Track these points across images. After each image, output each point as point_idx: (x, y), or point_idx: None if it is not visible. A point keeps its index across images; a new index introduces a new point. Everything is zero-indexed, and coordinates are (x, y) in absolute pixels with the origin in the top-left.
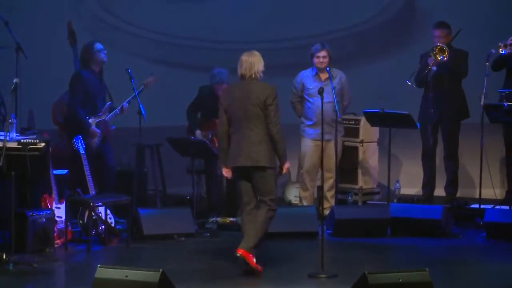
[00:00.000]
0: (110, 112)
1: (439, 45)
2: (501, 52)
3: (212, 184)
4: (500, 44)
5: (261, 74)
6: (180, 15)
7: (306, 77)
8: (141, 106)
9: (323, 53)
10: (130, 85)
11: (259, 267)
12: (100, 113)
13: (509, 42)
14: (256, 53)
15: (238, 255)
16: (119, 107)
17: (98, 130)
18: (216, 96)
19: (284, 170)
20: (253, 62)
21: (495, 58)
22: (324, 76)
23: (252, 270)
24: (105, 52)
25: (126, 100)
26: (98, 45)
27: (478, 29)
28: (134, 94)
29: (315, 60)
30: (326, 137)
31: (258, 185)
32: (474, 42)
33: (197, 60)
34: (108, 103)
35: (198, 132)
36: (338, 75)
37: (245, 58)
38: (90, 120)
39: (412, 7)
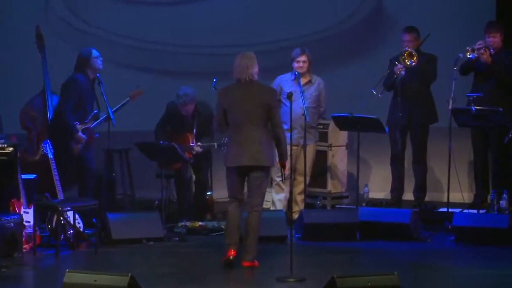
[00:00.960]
0: (95, 120)
1: (408, 50)
2: (468, 56)
3: (183, 189)
4: (468, 48)
5: (256, 74)
6: (150, 19)
7: (284, 81)
8: (110, 111)
9: (303, 58)
10: (99, 90)
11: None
12: (87, 120)
13: (476, 46)
14: (250, 54)
15: (246, 267)
16: (104, 117)
17: (84, 136)
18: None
19: (286, 169)
20: (247, 64)
21: (462, 62)
22: (303, 80)
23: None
24: (101, 59)
25: (112, 110)
26: (96, 52)
27: (446, 34)
28: (120, 104)
29: (295, 64)
30: (301, 141)
31: (256, 184)
32: (442, 47)
33: (167, 65)
34: (95, 111)
35: None
36: (316, 81)
37: (239, 60)
38: (77, 126)
39: (380, 12)
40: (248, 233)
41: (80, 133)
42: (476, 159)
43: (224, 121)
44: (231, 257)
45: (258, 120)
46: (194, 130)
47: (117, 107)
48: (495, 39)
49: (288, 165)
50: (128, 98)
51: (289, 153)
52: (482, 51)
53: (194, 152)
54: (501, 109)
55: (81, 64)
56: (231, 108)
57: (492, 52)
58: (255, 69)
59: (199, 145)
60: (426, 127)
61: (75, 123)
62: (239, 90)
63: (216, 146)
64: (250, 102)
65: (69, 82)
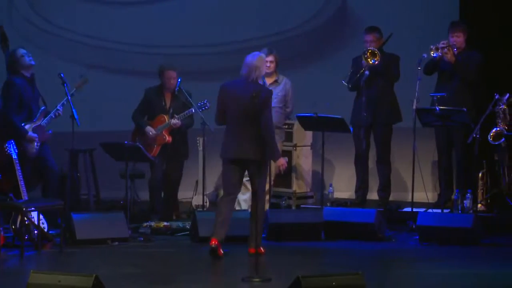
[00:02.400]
0: (45, 117)
1: (370, 49)
2: (432, 55)
3: (153, 188)
4: (431, 47)
5: (261, 76)
6: (114, 19)
7: None
8: (74, 110)
9: (270, 58)
10: (63, 90)
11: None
12: (36, 119)
13: (440, 45)
14: (260, 55)
15: (251, 253)
16: (54, 111)
17: (35, 135)
18: (162, 94)
19: (282, 165)
20: (256, 66)
21: (426, 62)
22: (270, 80)
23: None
24: (30, 55)
25: (60, 104)
26: (21, 50)
27: (410, 33)
28: (67, 97)
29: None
30: None
31: (255, 177)
32: (406, 47)
33: (131, 65)
34: (42, 108)
35: (148, 128)
36: (283, 82)
37: (250, 59)
38: (26, 126)
39: (345, 12)
40: (253, 222)
41: (30, 133)
42: (440, 159)
43: (223, 115)
44: (212, 245)
45: (254, 117)
46: (171, 110)
47: (64, 99)
48: (458, 39)
49: (283, 161)
50: (74, 89)
51: None
52: (445, 50)
53: (174, 126)
54: (465, 109)
55: (12, 66)
56: (230, 104)
57: (456, 52)
58: (262, 72)
59: (175, 117)
60: (389, 127)
61: (22, 124)
62: (240, 87)
63: (194, 111)
64: (247, 100)
65: (4, 86)
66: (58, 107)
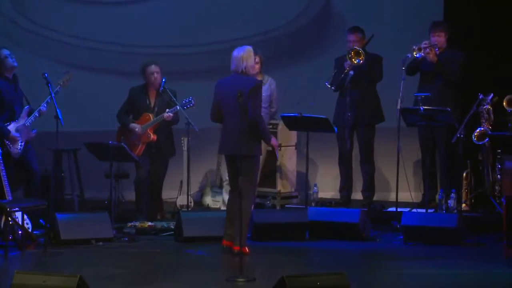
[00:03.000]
0: (29, 116)
1: (355, 48)
2: (415, 55)
3: (139, 188)
4: (414, 47)
5: (253, 68)
6: (99, 19)
7: None
8: (58, 110)
9: (255, 59)
10: (47, 89)
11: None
12: (19, 118)
13: (422, 45)
14: (246, 48)
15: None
16: (37, 110)
17: (17, 135)
18: (147, 92)
19: (276, 147)
20: (243, 57)
21: (408, 62)
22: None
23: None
24: (13, 56)
25: (44, 102)
26: (4, 51)
27: (394, 34)
28: (50, 96)
29: None
30: None
31: (242, 173)
32: (389, 47)
33: (116, 65)
34: (26, 107)
35: (133, 125)
36: (268, 82)
37: (235, 54)
38: (10, 126)
39: (329, 12)
40: (238, 220)
41: (13, 133)
42: (424, 159)
43: (217, 112)
44: (223, 246)
45: (242, 111)
46: (156, 109)
47: (48, 97)
48: (439, 39)
49: (276, 142)
50: (59, 86)
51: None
52: (427, 50)
53: (167, 119)
54: (449, 109)
55: None
56: (221, 100)
57: (438, 52)
58: (251, 63)
59: (167, 111)
60: (372, 127)
61: (5, 124)
62: (230, 82)
63: (178, 108)
64: (234, 94)
65: None
66: (42, 107)
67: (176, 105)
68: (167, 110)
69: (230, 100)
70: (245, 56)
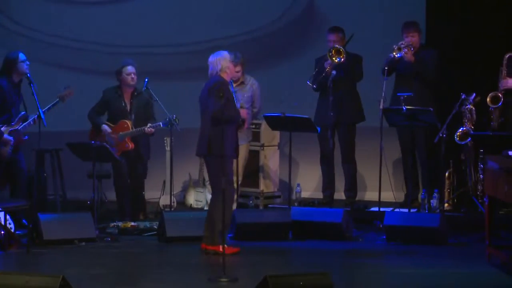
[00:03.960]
0: (23, 122)
1: (335, 47)
2: (396, 55)
3: (120, 189)
4: (394, 47)
5: (229, 69)
6: (81, 20)
7: None
8: (41, 111)
9: (237, 68)
10: (30, 90)
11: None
12: (14, 123)
13: (401, 45)
14: (221, 52)
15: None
16: (32, 119)
17: (11, 138)
18: (121, 94)
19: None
20: (217, 61)
21: (385, 62)
22: (236, 82)
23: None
24: (28, 63)
25: (41, 111)
26: (22, 56)
27: (374, 34)
28: (50, 105)
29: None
30: None
31: (208, 174)
32: (370, 47)
33: (97, 65)
34: (22, 113)
35: (105, 127)
36: (249, 82)
37: (210, 59)
38: (3, 129)
39: (312, 12)
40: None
41: (6, 136)
42: (405, 159)
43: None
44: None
45: (206, 111)
46: (133, 116)
47: (46, 108)
48: (413, 39)
49: (244, 113)
50: (57, 99)
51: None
52: (405, 50)
53: (149, 133)
54: (432, 109)
55: (7, 67)
56: (200, 104)
57: (413, 51)
58: (226, 64)
59: (149, 125)
60: (353, 127)
61: (0, 126)
62: (205, 86)
63: (161, 125)
64: (204, 95)
65: None
66: (36, 116)
67: (153, 115)
68: (149, 124)
69: (201, 102)
70: (220, 59)
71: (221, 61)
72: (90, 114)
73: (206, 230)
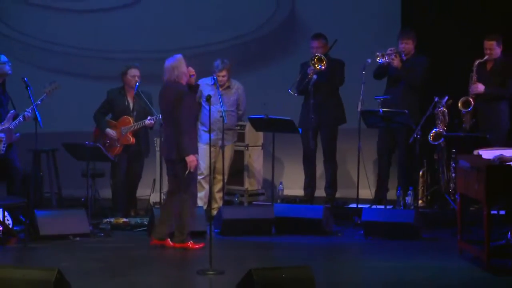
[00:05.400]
0: (13, 120)
1: (317, 55)
2: (378, 61)
3: (117, 187)
4: (378, 54)
5: (185, 75)
6: (75, 26)
7: (204, 85)
8: (37, 113)
9: (222, 73)
10: (27, 93)
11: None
12: (4, 122)
13: (388, 52)
14: (177, 57)
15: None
16: (22, 116)
17: (2, 135)
18: (125, 94)
19: (188, 164)
20: (173, 66)
21: (376, 67)
22: (222, 86)
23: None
24: (10, 64)
25: (29, 108)
26: (3, 58)
27: (354, 40)
28: (37, 101)
29: (219, 77)
30: (219, 142)
31: (171, 177)
32: (351, 52)
33: (91, 70)
34: (12, 111)
35: (108, 131)
36: (235, 86)
37: (166, 64)
38: None
39: (294, 19)
40: (176, 217)
41: None
42: (380, 159)
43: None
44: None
45: (169, 117)
46: (134, 113)
47: (35, 104)
48: (407, 46)
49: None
50: (44, 94)
51: (207, 152)
52: (392, 56)
53: (149, 126)
54: (407, 111)
55: None
56: (160, 107)
57: (404, 58)
58: (182, 70)
59: (149, 118)
60: (335, 128)
61: None
62: (163, 90)
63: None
64: (164, 101)
65: None
66: (26, 111)
67: (150, 110)
68: (149, 117)
69: (162, 108)
70: (176, 65)
71: (178, 68)
72: (97, 116)
73: (160, 227)
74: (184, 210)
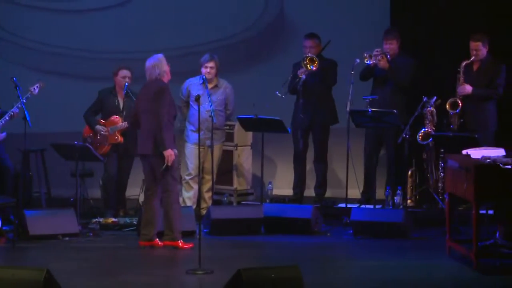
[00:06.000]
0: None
1: (309, 56)
2: (366, 62)
3: (107, 185)
4: (365, 55)
5: (166, 74)
6: (65, 27)
7: (193, 84)
8: (26, 113)
9: (210, 64)
10: (16, 93)
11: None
12: None
13: (374, 53)
14: (157, 56)
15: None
16: (8, 114)
17: None
18: (116, 94)
19: (166, 158)
20: (154, 65)
21: (362, 68)
22: (210, 85)
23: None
24: None
25: (15, 106)
26: None
27: (345, 40)
28: (24, 98)
29: (203, 69)
30: (208, 142)
31: (150, 173)
32: (341, 53)
33: (79, 70)
34: None
35: (98, 127)
36: (223, 86)
37: (147, 63)
38: None
39: (283, 20)
40: (165, 215)
41: None
42: (369, 159)
43: (134, 115)
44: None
45: (148, 112)
46: (124, 113)
47: (21, 102)
48: (392, 46)
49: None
50: (29, 92)
51: (195, 152)
52: (379, 57)
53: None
54: (396, 111)
55: None
56: (137, 105)
57: (390, 58)
58: (163, 69)
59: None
60: (327, 128)
61: None
62: (144, 88)
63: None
64: (145, 97)
65: None
66: (13, 109)
67: None
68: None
69: (142, 104)
70: (157, 64)
71: (159, 66)
72: (87, 115)
73: (146, 228)
74: (169, 208)
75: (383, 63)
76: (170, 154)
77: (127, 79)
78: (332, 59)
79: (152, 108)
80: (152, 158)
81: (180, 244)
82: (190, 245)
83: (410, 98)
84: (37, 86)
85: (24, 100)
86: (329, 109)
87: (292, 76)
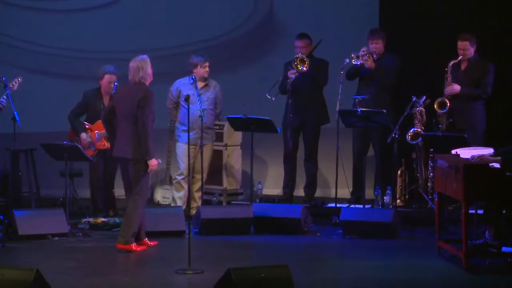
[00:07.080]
0: None
1: (300, 56)
2: (353, 62)
3: (95, 186)
4: (352, 55)
5: (149, 76)
6: (53, 26)
7: (183, 84)
8: (15, 112)
9: (207, 64)
10: (5, 92)
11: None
12: None
13: (361, 53)
14: (142, 57)
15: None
16: None
17: None
18: (101, 97)
19: (149, 167)
20: (139, 66)
21: (348, 68)
22: (200, 84)
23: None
24: None
25: (2, 97)
26: None
27: (332, 40)
28: (7, 97)
29: (200, 70)
30: (199, 141)
31: (131, 175)
32: (329, 52)
33: (69, 70)
34: None
35: (83, 136)
36: (213, 85)
37: (131, 64)
38: None
39: (271, 20)
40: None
41: None
42: (360, 158)
43: (109, 115)
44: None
45: (131, 117)
46: None
47: (3, 98)
48: (377, 45)
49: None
50: (9, 90)
51: (187, 152)
52: (365, 57)
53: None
54: (385, 111)
55: None
56: (117, 105)
57: (375, 58)
58: (148, 71)
59: None
60: (318, 128)
61: None
62: (125, 89)
63: None
64: (127, 100)
65: None
66: (1, 99)
67: None
68: None
69: (123, 106)
70: (141, 65)
71: (143, 68)
72: (71, 117)
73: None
74: (133, 211)
75: (369, 63)
76: (154, 164)
77: (112, 85)
78: (324, 58)
79: (135, 114)
80: (128, 164)
81: (133, 247)
82: (143, 248)
83: (399, 98)
84: (15, 82)
85: (4, 97)
86: (319, 109)
87: (284, 75)
